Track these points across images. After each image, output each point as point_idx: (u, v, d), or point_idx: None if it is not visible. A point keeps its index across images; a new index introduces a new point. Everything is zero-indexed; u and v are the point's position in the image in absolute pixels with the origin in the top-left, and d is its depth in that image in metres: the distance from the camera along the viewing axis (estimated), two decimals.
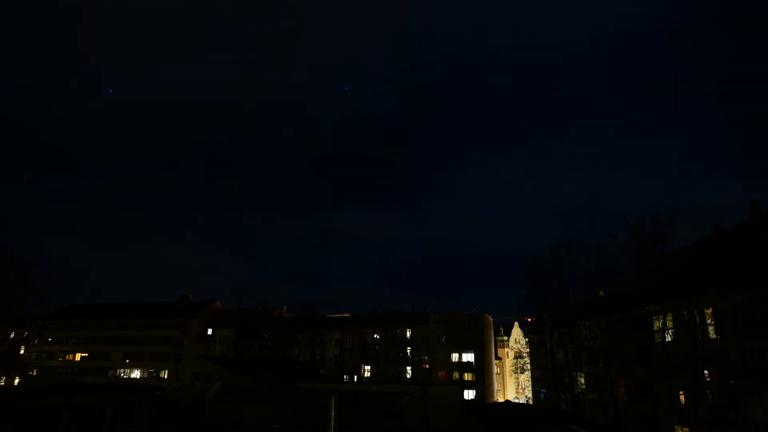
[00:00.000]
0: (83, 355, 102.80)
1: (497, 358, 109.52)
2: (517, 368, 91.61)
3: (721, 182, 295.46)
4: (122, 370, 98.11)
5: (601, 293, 52.35)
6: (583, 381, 55.12)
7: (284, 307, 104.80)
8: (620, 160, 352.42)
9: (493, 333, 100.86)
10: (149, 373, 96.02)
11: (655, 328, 45.00)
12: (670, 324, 43.99)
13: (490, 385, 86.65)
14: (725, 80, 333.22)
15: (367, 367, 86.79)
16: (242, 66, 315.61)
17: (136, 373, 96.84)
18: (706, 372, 40.11)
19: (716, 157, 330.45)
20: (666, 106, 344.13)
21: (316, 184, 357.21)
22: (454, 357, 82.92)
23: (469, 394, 77.07)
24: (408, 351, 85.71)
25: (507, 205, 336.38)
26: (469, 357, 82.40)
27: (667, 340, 43.50)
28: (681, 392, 42.29)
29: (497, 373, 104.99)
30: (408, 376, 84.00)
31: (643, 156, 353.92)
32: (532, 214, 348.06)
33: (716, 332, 39.47)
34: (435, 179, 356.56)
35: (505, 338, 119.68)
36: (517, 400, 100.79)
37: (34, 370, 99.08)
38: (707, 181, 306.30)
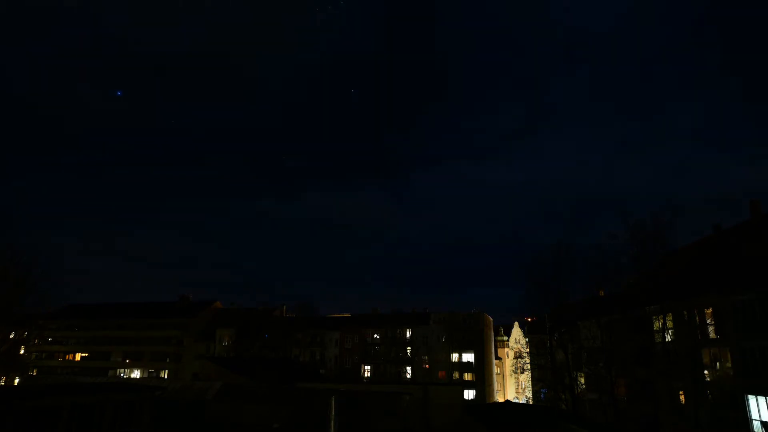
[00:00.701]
0: (83, 355, 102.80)
1: (497, 358, 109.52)
2: (517, 368, 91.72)
3: (726, 174, 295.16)
4: (122, 370, 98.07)
5: (601, 293, 52.34)
6: (583, 381, 55.12)
7: (284, 307, 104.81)
8: (627, 151, 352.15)
9: (493, 333, 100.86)
10: (149, 373, 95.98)
11: (655, 328, 44.98)
12: (670, 324, 43.97)
13: (490, 385, 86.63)
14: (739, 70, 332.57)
15: (367, 367, 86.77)
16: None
17: (136, 373, 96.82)
18: (706, 372, 40.13)
19: (725, 147, 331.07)
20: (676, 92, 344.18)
21: (313, 180, 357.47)
22: (454, 357, 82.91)
23: (469, 394, 77.07)
24: (408, 351, 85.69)
25: (507, 197, 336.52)
26: (469, 357, 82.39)
27: (667, 340, 43.48)
28: (681, 392, 42.31)
29: (497, 373, 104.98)
30: (408, 376, 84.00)
31: (652, 149, 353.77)
32: (534, 207, 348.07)
33: (716, 332, 39.46)
34: (435, 172, 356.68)
35: (505, 338, 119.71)
36: (517, 400, 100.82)
37: (34, 370, 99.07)
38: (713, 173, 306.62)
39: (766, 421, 34.04)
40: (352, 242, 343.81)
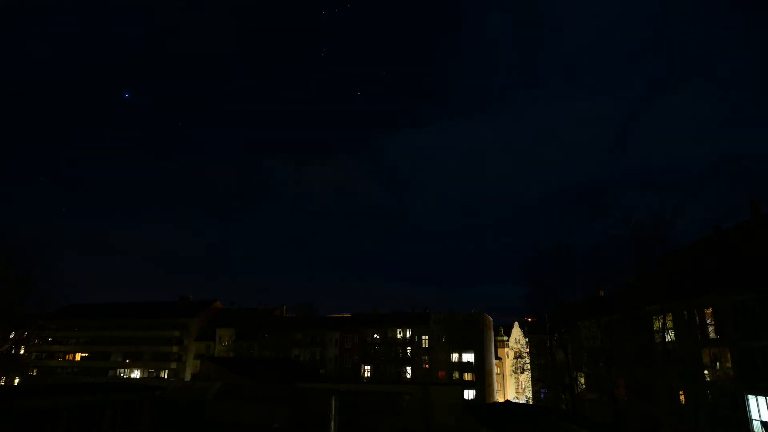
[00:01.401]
0: (83, 355, 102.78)
1: (497, 358, 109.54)
2: (517, 368, 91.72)
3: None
4: (122, 370, 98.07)
5: (601, 293, 52.32)
6: (583, 381, 55.12)
7: (284, 307, 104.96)
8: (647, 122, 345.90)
9: (493, 333, 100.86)
10: (149, 373, 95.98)
11: (655, 328, 44.97)
12: (670, 324, 43.97)
13: (490, 385, 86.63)
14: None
15: (367, 367, 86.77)
16: None
17: (136, 373, 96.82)
18: (706, 372, 40.12)
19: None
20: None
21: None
22: (454, 357, 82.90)
23: (469, 394, 77.07)
24: (408, 351, 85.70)
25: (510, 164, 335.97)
26: (469, 357, 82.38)
27: (667, 340, 43.48)
28: (681, 392, 42.29)
29: (497, 373, 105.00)
30: (408, 376, 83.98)
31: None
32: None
33: (716, 332, 39.45)
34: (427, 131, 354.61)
35: (505, 338, 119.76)
36: (517, 400, 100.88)
37: (34, 370, 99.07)
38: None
39: (766, 421, 34.02)
40: (352, 241, 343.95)
